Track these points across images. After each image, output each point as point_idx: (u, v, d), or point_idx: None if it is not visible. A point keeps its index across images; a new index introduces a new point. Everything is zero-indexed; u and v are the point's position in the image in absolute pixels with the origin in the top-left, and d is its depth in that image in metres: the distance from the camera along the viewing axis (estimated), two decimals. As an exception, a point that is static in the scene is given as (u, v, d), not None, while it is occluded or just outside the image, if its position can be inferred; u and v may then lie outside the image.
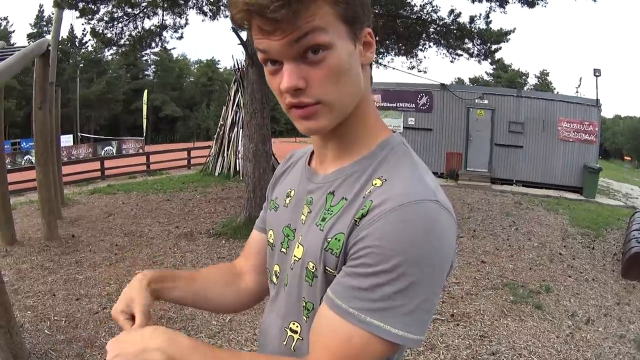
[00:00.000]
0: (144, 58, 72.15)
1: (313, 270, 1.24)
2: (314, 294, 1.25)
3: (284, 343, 1.36)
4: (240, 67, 19.69)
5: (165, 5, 13.03)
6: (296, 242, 1.33)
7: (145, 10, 13.48)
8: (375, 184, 1.18)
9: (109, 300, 6.76)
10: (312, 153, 1.49)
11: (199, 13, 14.47)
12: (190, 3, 13.87)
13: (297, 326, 1.33)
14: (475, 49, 16.02)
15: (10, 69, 7.71)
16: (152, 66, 76.54)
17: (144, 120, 47.68)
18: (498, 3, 14.25)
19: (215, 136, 21.87)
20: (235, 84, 20.63)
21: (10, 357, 4.86)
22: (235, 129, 20.34)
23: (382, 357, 1.09)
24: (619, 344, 6.30)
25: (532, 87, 76.47)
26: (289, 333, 1.35)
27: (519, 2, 13.96)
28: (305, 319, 1.30)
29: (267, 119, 11.45)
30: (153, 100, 63.34)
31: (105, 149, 35.44)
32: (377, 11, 16.26)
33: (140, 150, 34.74)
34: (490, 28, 15.09)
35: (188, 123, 72.44)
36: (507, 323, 6.68)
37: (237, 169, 20.00)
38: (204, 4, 14.14)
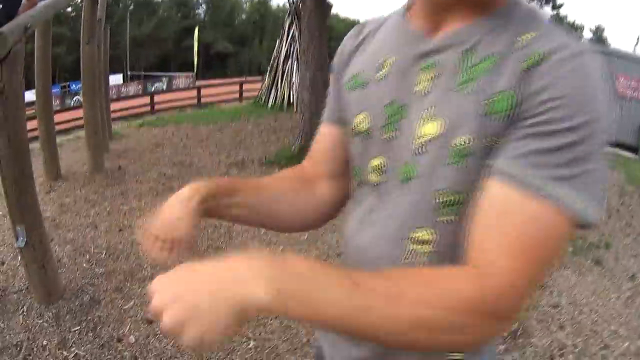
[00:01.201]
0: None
1: (465, 146, 0.96)
2: (463, 180, 0.98)
3: (404, 261, 1.06)
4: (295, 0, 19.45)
5: None
6: (419, 119, 1.03)
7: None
8: (528, 37, 0.96)
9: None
10: (406, 15, 1.18)
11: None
12: None
13: (429, 233, 1.03)
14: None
15: (58, 4, 7.50)
16: (203, 5, 77.11)
17: (195, 57, 47.80)
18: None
19: (268, 68, 21.52)
20: (290, 16, 20.22)
21: (44, 293, 4.63)
22: (290, 62, 20.00)
23: (567, 241, 0.96)
24: None
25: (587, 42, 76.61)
26: (412, 246, 1.05)
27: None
28: (445, 219, 1.01)
29: (325, 47, 11.13)
30: (204, 38, 63.54)
31: (155, 85, 35.61)
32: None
33: (191, 85, 34.62)
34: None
35: (240, 59, 73.15)
36: (567, 274, 6.27)
37: (291, 101, 19.73)
38: None
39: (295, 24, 19.26)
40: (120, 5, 62.28)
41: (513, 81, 0.91)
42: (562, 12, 74.53)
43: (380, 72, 1.15)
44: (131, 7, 63.33)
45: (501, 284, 0.84)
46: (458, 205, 0.99)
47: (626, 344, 4.89)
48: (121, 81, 41.30)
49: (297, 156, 10.36)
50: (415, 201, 1.04)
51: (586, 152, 0.86)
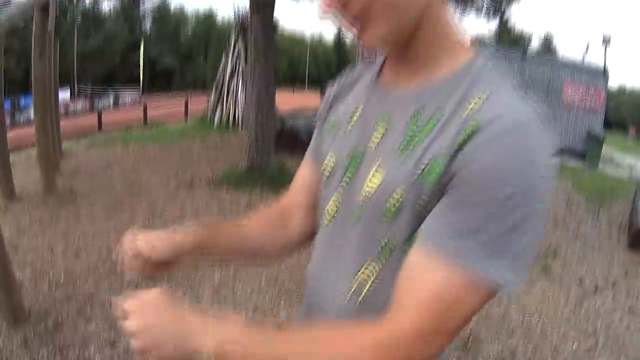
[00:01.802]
0: (141, 11, 71.95)
1: (398, 202, 1.05)
2: (397, 232, 1.07)
3: (349, 295, 1.17)
4: (241, 14, 19.46)
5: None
6: (369, 169, 1.13)
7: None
8: (476, 102, 1.01)
9: (109, 253, 6.54)
10: (382, 67, 1.29)
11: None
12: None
13: (373, 269, 1.13)
14: (485, 3, 15.84)
15: (9, 20, 7.54)
16: (149, 19, 76.37)
17: (141, 72, 47.46)
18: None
19: (213, 85, 21.52)
20: (236, 32, 20.27)
21: (10, 318, 4.74)
22: (235, 78, 20.01)
23: (482, 307, 0.96)
24: (628, 316, 6.22)
25: (534, 50, 76.34)
26: (360, 279, 1.15)
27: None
28: (384, 260, 1.11)
29: (272, 64, 11.24)
30: (150, 53, 63.01)
31: (102, 101, 35.35)
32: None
33: (137, 102, 34.52)
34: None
35: (185, 75, 72.51)
36: None
37: (237, 119, 19.73)
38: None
39: (241, 40, 19.32)
40: (68, 17, 61.22)
41: (450, 147, 0.98)
42: (512, 20, 74.76)
43: (351, 120, 1.27)
44: (79, 19, 62.33)
45: (406, 333, 0.93)
46: (395, 252, 1.08)
47: (576, 345, 5.27)
48: (69, 96, 40.82)
49: (244, 175, 10.58)
50: (364, 242, 1.14)
51: (509, 224, 0.90)
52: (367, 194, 1.11)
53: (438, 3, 1.09)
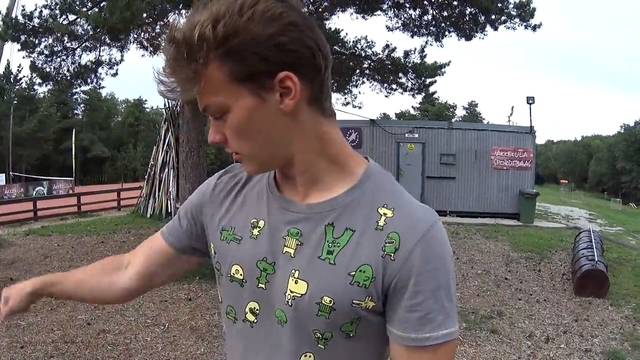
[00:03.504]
0: (74, 97, 71.43)
1: (330, 305, 1.19)
2: (332, 325, 1.22)
3: None
4: (170, 105, 19.20)
5: (107, 39, 12.90)
6: (286, 278, 1.26)
7: (85, 43, 13.36)
8: (386, 213, 1.22)
9: (54, 348, 6.53)
10: (274, 178, 1.41)
11: (140, 48, 14.43)
12: (131, 37, 13.80)
13: (309, 357, 1.26)
14: (410, 83, 16.31)
15: None
16: (82, 105, 75.84)
17: (73, 161, 46.99)
18: (434, 37, 14.59)
19: (145, 177, 21.27)
20: (166, 123, 19.92)
21: None
22: (166, 170, 19.77)
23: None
24: (586, 357, 6.46)
25: (460, 118, 77.82)
26: None
27: (456, 35, 14.38)
28: (321, 347, 1.24)
29: (204, 158, 11.40)
30: (81, 140, 62.48)
31: (37, 189, 34.82)
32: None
33: (71, 191, 34.15)
34: (425, 62, 15.40)
35: (116, 164, 71.86)
36: (464, 350, 6.73)
37: (169, 210, 19.29)
38: (144, 38, 14.15)
39: (172, 131, 19.09)
40: (5, 98, 60.20)
41: (372, 260, 1.17)
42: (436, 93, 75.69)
43: (254, 231, 1.34)
44: (15, 101, 61.40)
45: None
46: (331, 339, 1.22)
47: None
48: (3, 181, 40.31)
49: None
50: (298, 337, 1.25)
51: (452, 294, 1.19)
52: (292, 299, 1.23)
53: (324, 131, 1.27)
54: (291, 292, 1.24)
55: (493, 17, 13.51)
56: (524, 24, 13.52)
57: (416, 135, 22.48)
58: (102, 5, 12.43)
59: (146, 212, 20.13)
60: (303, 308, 1.22)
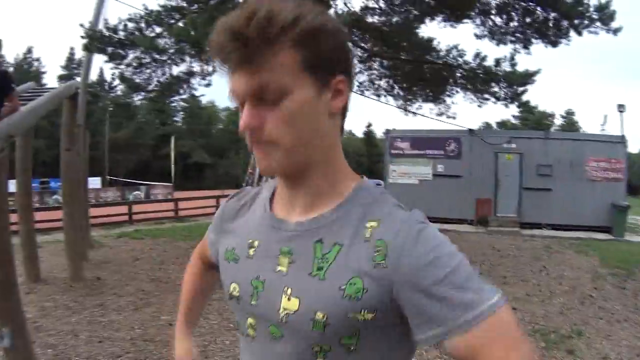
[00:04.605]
0: (173, 104, 73.03)
1: (324, 320, 1.21)
2: (329, 339, 1.23)
3: None
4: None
5: (193, 52, 13.17)
6: (279, 295, 1.29)
7: (172, 56, 13.64)
8: (372, 225, 1.25)
9: (132, 345, 6.72)
10: (272, 199, 1.48)
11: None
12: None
13: None
14: (502, 92, 16.09)
15: (39, 109, 7.89)
16: (181, 113, 77.45)
17: (172, 167, 48.04)
18: (522, 44, 14.37)
19: (243, 184, 21.34)
20: None
21: None
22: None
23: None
24: None
25: (558, 127, 75.87)
26: None
27: (542, 42, 14.16)
28: (322, 359, 1.26)
29: None
30: (181, 147, 63.89)
31: (134, 193, 35.88)
32: (402, 57, 16.37)
33: (169, 196, 34.94)
34: (516, 70, 15.16)
35: (217, 170, 72.87)
36: None
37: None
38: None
39: None
40: (100, 104, 62.07)
41: (364, 271, 1.19)
42: (533, 102, 73.03)
43: (250, 251, 1.41)
44: (110, 108, 63.26)
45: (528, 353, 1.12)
46: (330, 352, 1.24)
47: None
48: (100, 185, 41.59)
49: None
50: (295, 351, 1.27)
51: (468, 279, 1.13)
52: (285, 316, 1.26)
53: (337, 144, 1.34)
54: (284, 309, 1.27)
55: (576, 22, 13.32)
56: (605, 27, 13.26)
57: (514, 146, 22.06)
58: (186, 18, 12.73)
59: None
60: (297, 324, 1.25)
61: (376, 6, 15.91)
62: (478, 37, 15.18)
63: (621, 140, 21.40)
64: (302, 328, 1.24)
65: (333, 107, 1.26)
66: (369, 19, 16.23)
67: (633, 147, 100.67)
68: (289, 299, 1.26)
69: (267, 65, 1.17)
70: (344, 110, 1.31)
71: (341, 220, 1.28)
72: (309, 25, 1.17)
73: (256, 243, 1.41)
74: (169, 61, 13.86)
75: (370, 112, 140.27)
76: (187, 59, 13.94)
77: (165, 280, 10.59)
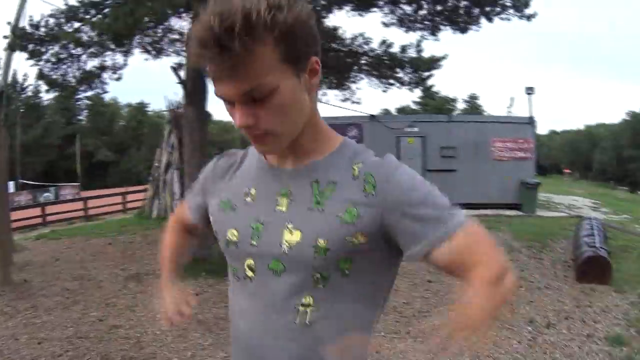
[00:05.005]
0: (78, 103, 71.09)
1: (325, 245, 1.38)
2: (329, 264, 1.41)
3: (296, 321, 1.45)
4: (173, 107, 19.53)
5: (112, 44, 13.12)
6: (280, 230, 1.45)
7: (91, 49, 13.49)
8: (359, 166, 1.48)
9: (69, 344, 6.73)
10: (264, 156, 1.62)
11: (143, 52, 14.69)
12: (134, 42, 14.00)
13: (309, 299, 1.44)
14: (407, 77, 16.34)
15: None
16: (85, 110, 75.45)
17: (78, 166, 47.01)
18: (430, 31, 14.61)
19: (149, 179, 21.49)
20: (169, 124, 20.25)
21: None
22: (170, 171, 19.94)
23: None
24: (589, 342, 6.48)
25: (461, 112, 76.86)
26: (301, 309, 1.45)
27: (451, 28, 14.36)
28: (321, 286, 1.43)
29: (207, 156, 11.24)
30: (86, 145, 62.47)
31: (45, 195, 35.17)
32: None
33: (77, 196, 34.34)
34: (421, 56, 15.43)
35: (120, 167, 71.43)
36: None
37: (174, 211, 19.01)
38: (147, 42, 14.34)
39: (174, 133, 19.35)
40: (13, 107, 59.71)
41: (357, 200, 1.41)
42: (435, 87, 74.02)
43: (247, 199, 1.55)
44: (21, 110, 61.05)
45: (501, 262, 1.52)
46: (328, 279, 1.41)
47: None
48: (13, 189, 40.51)
49: (188, 267, 10.49)
50: (298, 281, 1.42)
51: (440, 198, 1.43)
52: (288, 247, 1.42)
53: (316, 110, 1.52)
54: (286, 241, 1.43)
55: (487, 9, 13.54)
56: (519, 14, 13.51)
57: (416, 129, 22.37)
58: (105, 12, 12.62)
59: (151, 213, 20.31)
60: (300, 253, 1.41)
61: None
62: (386, 25, 15.30)
63: (529, 122, 22.16)
64: (304, 256, 1.41)
65: (312, 85, 1.41)
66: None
67: (541, 129, 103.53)
68: (290, 233, 1.43)
69: (252, 72, 1.25)
70: (320, 80, 1.46)
71: (332, 164, 1.49)
72: (286, 23, 1.25)
73: (253, 191, 1.57)
74: (84, 56, 13.71)
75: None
76: (103, 52, 13.79)
77: (88, 278, 10.49)
